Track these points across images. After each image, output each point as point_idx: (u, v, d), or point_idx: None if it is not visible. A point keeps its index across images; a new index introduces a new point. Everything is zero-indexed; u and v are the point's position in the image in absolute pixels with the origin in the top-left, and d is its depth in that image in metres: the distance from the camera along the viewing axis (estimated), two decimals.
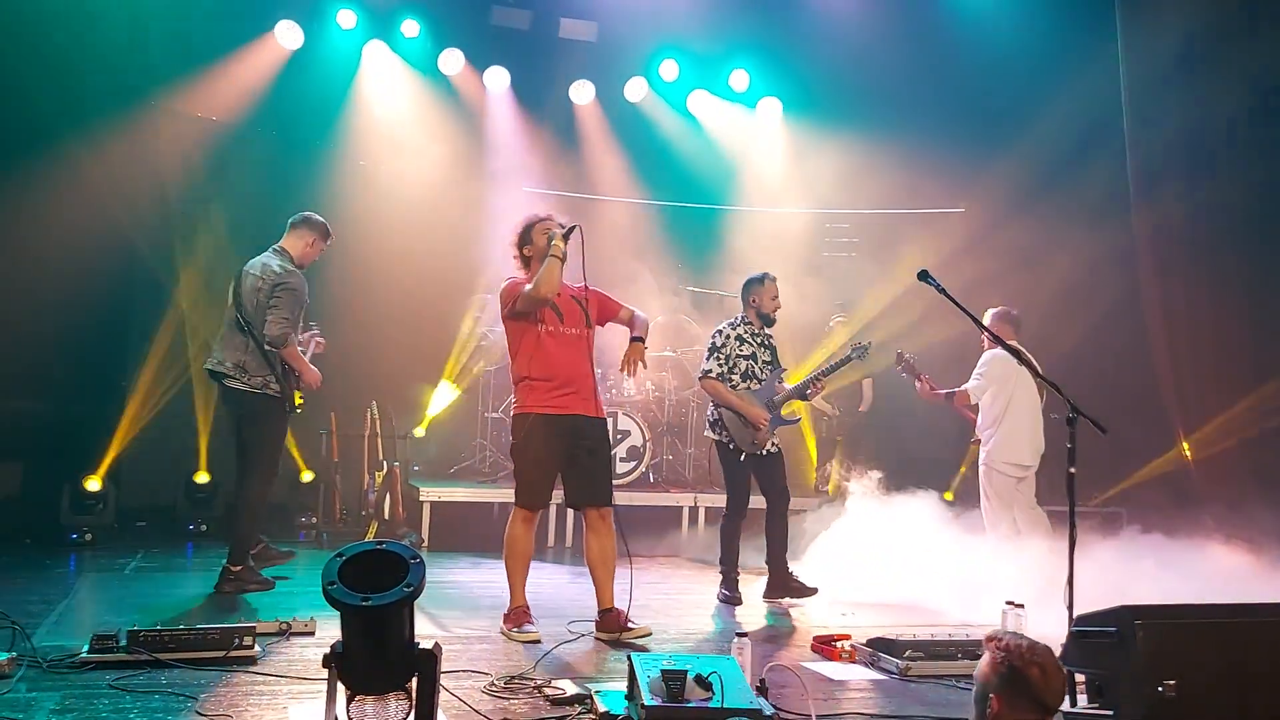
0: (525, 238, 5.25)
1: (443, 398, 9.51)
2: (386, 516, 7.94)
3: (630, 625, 5.08)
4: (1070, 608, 4.48)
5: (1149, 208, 8.71)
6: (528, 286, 5.06)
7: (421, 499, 8.13)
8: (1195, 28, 8.28)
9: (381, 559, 3.30)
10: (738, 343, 6.42)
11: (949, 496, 9.85)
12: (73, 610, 5.33)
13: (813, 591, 6.25)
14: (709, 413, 6.56)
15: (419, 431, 9.36)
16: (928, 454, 9.57)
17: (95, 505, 7.60)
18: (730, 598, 6.26)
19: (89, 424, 8.17)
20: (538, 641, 4.93)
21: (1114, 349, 9.09)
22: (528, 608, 5.17)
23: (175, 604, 5.58)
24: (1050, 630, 4.36)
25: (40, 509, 7.64)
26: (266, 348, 5.75)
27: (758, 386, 6.40)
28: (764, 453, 6.38)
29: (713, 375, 6.34)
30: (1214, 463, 8.64)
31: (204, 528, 8.08)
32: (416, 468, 9.18)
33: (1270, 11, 8.17)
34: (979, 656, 4.58)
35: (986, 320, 6.82)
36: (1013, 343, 6.60)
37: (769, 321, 6.51)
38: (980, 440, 7.08)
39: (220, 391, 5.97)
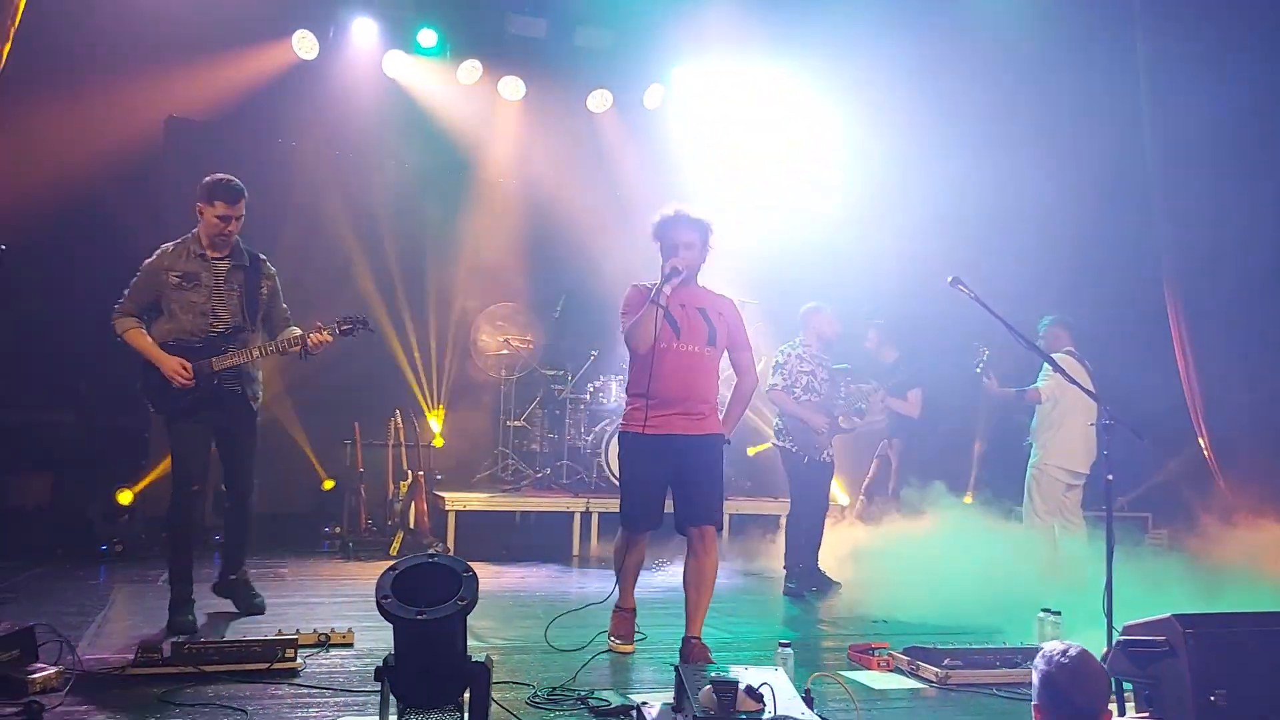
0: (655, 235, 5.00)
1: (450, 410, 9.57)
2: (412, 526, 7.96)
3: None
4: (1109, 614, 4.51)
5: (1172, 218, 8.69)
6: (627, 326, 4.82)
7: (446, 508, 8.16)
8: (1217, 37, 8.31)
9: (432, 572, 3.33)
10: (798, 361, 6.98)
11: (969, 500, 9.90)
12: (110, 621, 5.35)
13: (838, 585, 6.93)
14: (775, 422, 7.16)
15: (436, 442, 9.40)
16: (940, 458, 9.63)
17: (124, 517, 7.63)
18: (794, 590, 6.87)
19: (117, 435, 8.22)
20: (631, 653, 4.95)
21: (1133, 345, 9.05)
22: (631, 614, 5.12)
23: (209, 615, 5.60)
24: (1089, 638, 4.40)
25: (71, 520, 7.67)
26: (118, 339, 5.17)
27: (817, 399, 6.95)
28: (824, 459, 6.97)
29: (779, 388, 6.92)
30: (1235, 460, 8.62)
31: (218, 539, 8.10)
32: (439, 477, 9.20)
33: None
34: (1017, 665, 4.66)
35: (1044, 327, 6.98)
36: (1070, 349, 6.73)
37: (826, 345, 7.08)
38: (1032, 442, 7.16)
39: None
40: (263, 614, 5.52)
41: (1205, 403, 8.75)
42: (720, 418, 5.03)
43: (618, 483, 5.23)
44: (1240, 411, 8.68)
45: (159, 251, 5.26)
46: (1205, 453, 8.89)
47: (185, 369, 5.10)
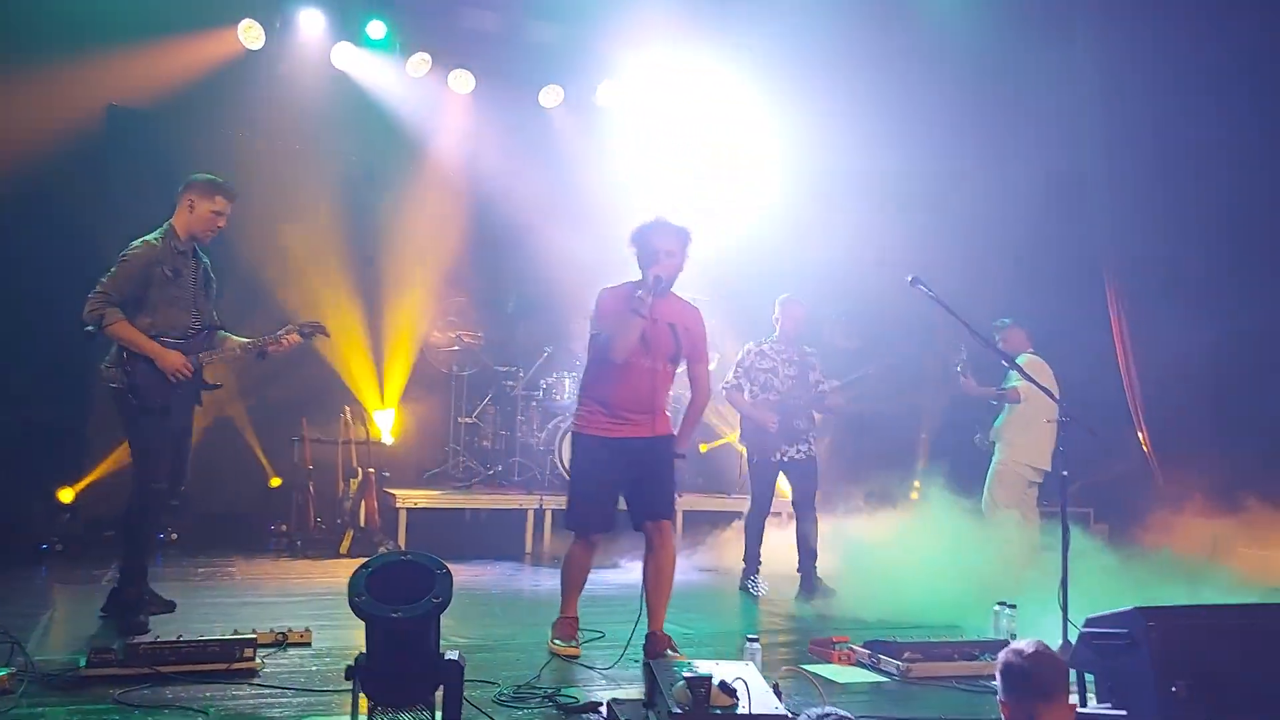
0: (633, 241, 4.97)
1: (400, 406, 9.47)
2: (362, 524, 7.86)
3: (669, 653, 4.77)
4: (1064, 607, 4.61)
5: (1113, 219, 8.90)
6: (606, 336, 4.80)
7: (397, 506, 8.07)
8: (1158, 48, 8.52)
9: (405, 570, 3.29)
10: (758, 357, 6.96)
11: (914, 495, 10.05)
12: (57, 623, 5.21)
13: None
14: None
15: (387, 438, 9.30)
16: (880, 456, 9.82)
17: (65, 515, 7.43)
18: (747, 588, 6.85)
19: (54, 432, 7.97)
20: (575, 657, 4.81)
21: (1074, 345, 9.24)
22: (574, 621, 5.01)
23: (160, 615, 5.47)
24: (1045, 630, 4.50)
25: (8, 519, 7.44)
26: (87, 330, 4.99)
27: (775, 398, 6.84)
28: (785, 459, 6.84)
29: (728, 385, 6.94)
30: (1172, 455, 8.85)
31: (174, 536, 7.92)
32: (389, 474, 9.09)
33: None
34: (976, 658, 4.74)
35: (1006, 330, 7.10)
36: (1030, 351, 6.88)
37: (790, 340, 7.00)
38: (994, 440, 7.26)
39: None
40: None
41: (1144, 400, 8.98)
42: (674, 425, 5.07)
43: (570, 482, 5.15)
44: (1178, 408, 8.92)
45: (144, 243, 5.11)
46: (1144, 448, 9.13)
47: (188, 366, 5.08)
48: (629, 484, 4.93)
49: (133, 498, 5.13)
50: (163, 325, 5.09)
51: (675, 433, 5.06)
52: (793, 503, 6.97)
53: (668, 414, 5.02)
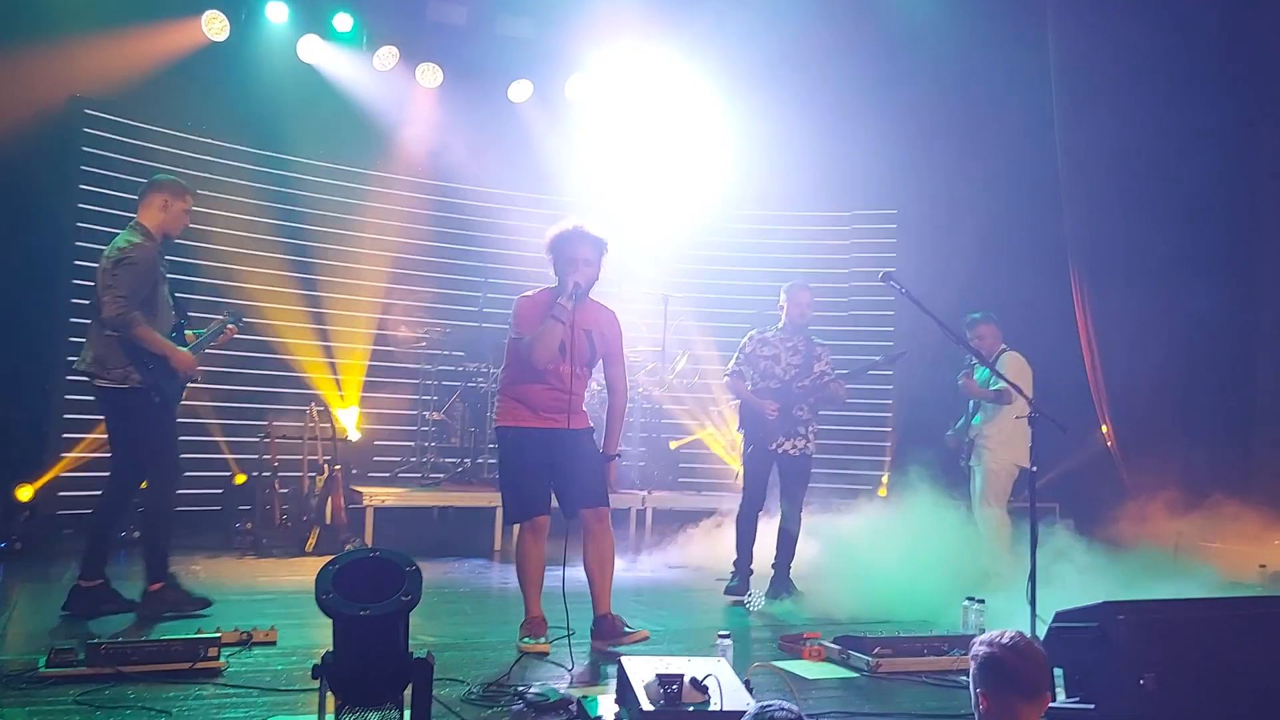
0: (551, 248, 5.05)
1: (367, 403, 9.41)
2: (328, 521, 7.77)
3: (627, 630, 4.96)
4: (1032, 602, 4.62)
5: (1079, 212, 8.96)
6: (528, 339, 4.88)
7: (364, 503, 7.99)
8: (1123, 43, 8.59)
9: (373, 567, 3.24)
10: (759, 344, 6.64)
11: (883, 493, 10.09)
12: (15, 623, 5.10)
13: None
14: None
15: (352, 433, 9.22)
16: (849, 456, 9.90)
17: (25, 514, 7.30)
18: (735, 587, 6.44)
19: (12, 429, 7.81)
20: (545, 654, 4.80)
21: (1043, 347, 9.32)
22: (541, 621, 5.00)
23: (121, 615, 5.39)
24: (1015, 625, 4.50)
25: None
26: (107, 333, 5.12)
27: (776, 386, 6.54)
28: (781, 451, 6.50)
29: (727, 372, 6.75)
30: (1137, 449, 8.92)
31: (136, 534, 7.80)
32: (356, 471, 9.01)
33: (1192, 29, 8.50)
34: (945, 653, 4.75)
35: (980, 326, 7.07)
36: (1004, 346, 6.90)
37: (794, 329, 6.62)
38: (974, 440, 7.25)
39: (94, 394, 5.29)
40: None
41: (1109, 393, 9.05)
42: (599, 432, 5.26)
43: (501, 475, 5.21)
44: (1142, 401, 9.00)
45: (135, 245, 5.19)
46: (1108, 443, 9.19)
47: (196, 363, 5.36)
48: (557, 475, 5.04)
49: (159, 488, 5.35)
50: (159, 325, 5.24)
51: (591, 426, 5.19)
52: (781, 498, 6.59)
53: (584, 410, 5.17)
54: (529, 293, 5.10)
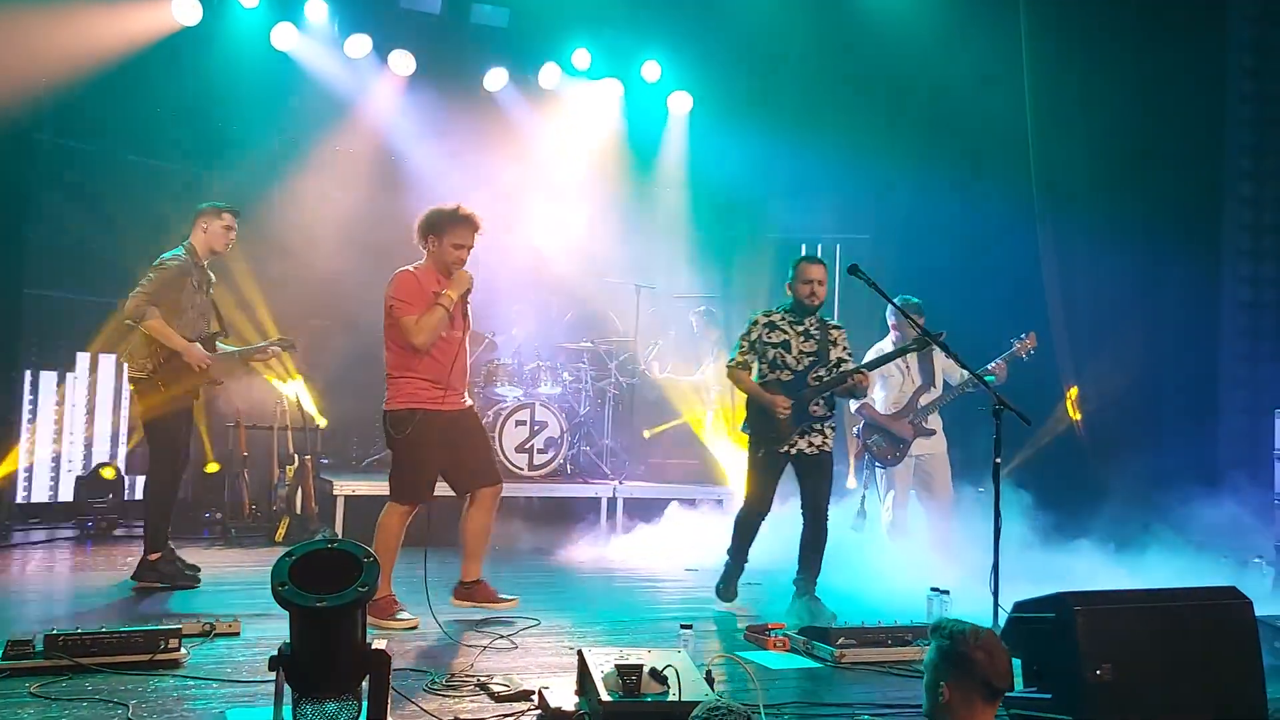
0: (427, 229, 5.30)
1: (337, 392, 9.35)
2: (299, 511, 7.74)
3: (501, 596, 5.41)
4: (995, 593, 4.65)
5: (1053, 217, 8.96)
6: (412, 320, 5.09)
7: (335, 493, 7.94)
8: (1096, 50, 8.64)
9: (330, 558, 3.23)
10: (767, 329, 5.80)
11: (851, 484, 10.10)
12: None
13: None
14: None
15: (320, 421, 9.14)
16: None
17: None
18: (723, 591, 5.93)
19: None
20: (414, 627, 5.06)
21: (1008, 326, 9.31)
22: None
23: (85, 605, 5.36)
24: (977, 615, 4.53)
25: None
26: (127, 323, 5.82)
27: (789, 377, 5.73)
28: (795, 452, 5.72)
29: (732, 363, 5.89)
30: (1105, 439, 8.95)
31: (104, 523, 7.77)
32: (326, 460, 8.97)
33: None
34: (908, 643, 4.77)
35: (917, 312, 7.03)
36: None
37: (805, 310, 5.80)
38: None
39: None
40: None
41: (1079, 382, 9.08)
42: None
43: (402, 457, 5.33)
44: (1112, 391, 9.03)
45: (174, 257, 5.84)
46: (1076, 431, 9.22)
47: (208, 358, 5.85)
48: (452, 453, 5.30)
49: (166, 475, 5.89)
50: (187, 329, 5.83)
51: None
52: (801, 506, 5.74)
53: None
54: (409, 268, 5.35)
